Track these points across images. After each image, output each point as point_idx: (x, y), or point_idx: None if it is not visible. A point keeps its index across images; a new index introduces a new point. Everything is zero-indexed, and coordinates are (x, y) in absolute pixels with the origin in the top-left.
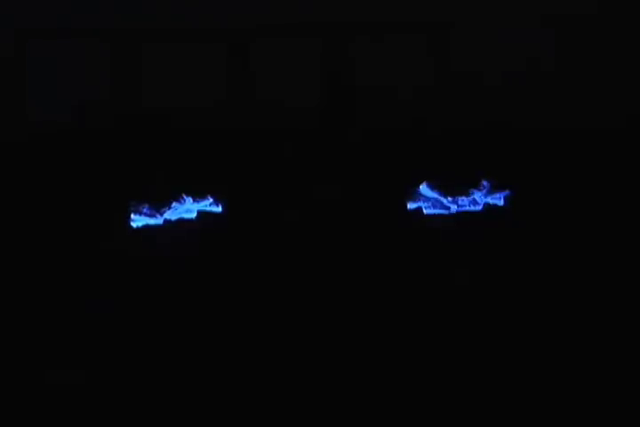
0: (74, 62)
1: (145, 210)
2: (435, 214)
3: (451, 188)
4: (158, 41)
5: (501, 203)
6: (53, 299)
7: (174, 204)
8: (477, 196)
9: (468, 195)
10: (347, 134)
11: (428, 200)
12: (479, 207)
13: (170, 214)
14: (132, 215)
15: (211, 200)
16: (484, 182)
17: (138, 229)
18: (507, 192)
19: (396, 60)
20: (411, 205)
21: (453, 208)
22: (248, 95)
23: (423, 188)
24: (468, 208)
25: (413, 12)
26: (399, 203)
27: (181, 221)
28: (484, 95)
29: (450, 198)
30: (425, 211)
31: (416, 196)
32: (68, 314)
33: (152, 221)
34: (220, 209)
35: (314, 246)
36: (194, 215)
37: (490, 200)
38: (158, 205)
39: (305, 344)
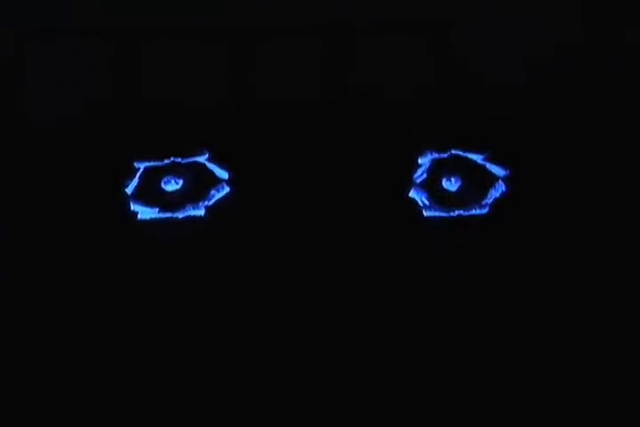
0: (73, 63)
1: (151, 208)
2: (435, 216)
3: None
4: (158, 41)
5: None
6: (56, 295)
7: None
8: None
9: (472, 197)
10: (347, 134)
11: (428, 201)
12: (484, 210)
13: (178, 212)
14: (138, 212)
15: (213, 199)
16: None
17: (142, 226)
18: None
19: (397, 60)
20: (411, 206)
21: (456, 211)
22: (248, 95)
23: (423, 189)
24: (472, 211)
25: (414, 12)
26: (400, 203)
27: (189, 217)
28: (484, 95)
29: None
30: (425, 213)
31: (416, 196)
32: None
33: (160, 219)
34: (221, 208)
35: (314, 247)
36: (202, 212)
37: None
38: (164, 206)
39: (304, 343)
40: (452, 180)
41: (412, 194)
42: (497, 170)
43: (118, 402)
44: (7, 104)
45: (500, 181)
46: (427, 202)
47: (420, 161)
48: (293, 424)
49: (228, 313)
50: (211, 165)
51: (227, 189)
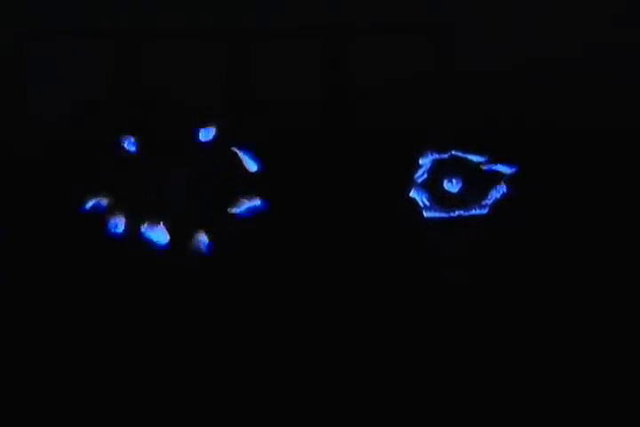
0: (73, 63)
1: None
2: (435, 217)
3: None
4: (158, 41)
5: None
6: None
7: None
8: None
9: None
10: (346, 134)
11: (428, 201)
12: (484, 210)
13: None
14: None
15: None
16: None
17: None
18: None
19: (397, 60)
20: (411, 206)
21: (456, 211)
22: (248, 95)
23: (423, 189)
24: (472, 211)
25: (413, 13)
26: (400, 203)
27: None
28: (484, 95)
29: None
30: (425, 213)
31: (417, 196)
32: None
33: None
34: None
35: (314, 246)
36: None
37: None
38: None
39: (304, 343)
40: (454, 181)
41: (413, 194)
42: (498, 170)
43: (113, 401)
44: (7, 104)
45: (501, 182)
46: (427, 202)
47: (420, 161)
48: (293, 424)
49: (227, 312)
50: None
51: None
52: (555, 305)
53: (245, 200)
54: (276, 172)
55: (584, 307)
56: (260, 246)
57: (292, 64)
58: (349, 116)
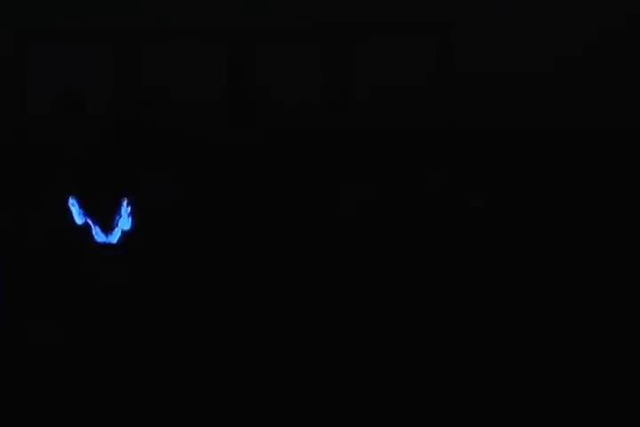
0: (73, 63)
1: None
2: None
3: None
4: (158, 41)
5: None
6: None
7: None
8: None
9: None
10: (346, 135)
11: None
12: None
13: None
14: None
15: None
16: None
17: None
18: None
19: (397, 60)
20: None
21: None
22: (248, 95)
23: None
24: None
25: (414, 13)
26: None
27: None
28: (484, 95)
29: None
30: None
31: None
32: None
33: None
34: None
35: (316, 248)
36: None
37: None
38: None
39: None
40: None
41: None
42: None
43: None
44: (8, 103)
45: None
46: None
47: None
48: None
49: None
50: None
51: None
52: (552, 303)
53: None
54: (275, 169)
55: (583, 307)
56: (260, 241)
57: (292, 64)
58: (349, 116)
